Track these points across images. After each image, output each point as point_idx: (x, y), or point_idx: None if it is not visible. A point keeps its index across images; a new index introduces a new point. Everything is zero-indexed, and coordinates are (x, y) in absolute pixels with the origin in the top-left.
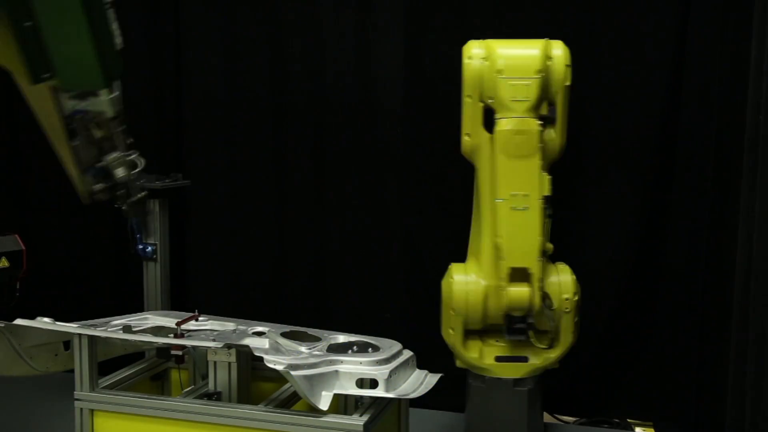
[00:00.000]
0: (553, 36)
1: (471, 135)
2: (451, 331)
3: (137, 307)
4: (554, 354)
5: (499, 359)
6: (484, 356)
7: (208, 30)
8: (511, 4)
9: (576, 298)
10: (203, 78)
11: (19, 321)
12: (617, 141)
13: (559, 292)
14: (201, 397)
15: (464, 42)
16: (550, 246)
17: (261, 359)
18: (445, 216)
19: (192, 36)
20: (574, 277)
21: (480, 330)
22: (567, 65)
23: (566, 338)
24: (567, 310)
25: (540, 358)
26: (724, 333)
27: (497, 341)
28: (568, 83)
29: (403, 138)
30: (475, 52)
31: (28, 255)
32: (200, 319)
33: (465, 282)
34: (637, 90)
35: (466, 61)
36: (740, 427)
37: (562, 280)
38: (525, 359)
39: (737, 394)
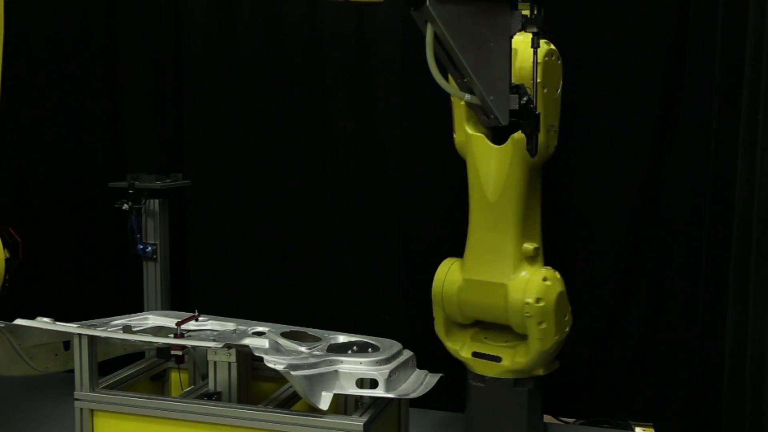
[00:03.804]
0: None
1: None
2: (436, 320)
3: (137, 307)
4: (522, 359)
5: (475, 354)
6: (464, 349)
7: (208, 29)
8: None
9: (540, 304)
10: (203, 78)
11: (19, 321)
12: (616, 128)
13: (523, 292)
14: (201, 397)
15: None
16: (528, 247)
17: (261, 359)
18: (445, 215)
19: (192, 35)
20: (548, 284)
21: (472, 324)
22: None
23: (533, 345)
24: (528, 314)
25: (510, 361)
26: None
27: (486, 338)
28: (538, 80)
29: (402, 138)
30: None
31: (27, 255)
32: (200, 319)
33: (444, 274)
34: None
35: None
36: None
37: (531, 279)
38: (498, 359)
39: (733, 396)
